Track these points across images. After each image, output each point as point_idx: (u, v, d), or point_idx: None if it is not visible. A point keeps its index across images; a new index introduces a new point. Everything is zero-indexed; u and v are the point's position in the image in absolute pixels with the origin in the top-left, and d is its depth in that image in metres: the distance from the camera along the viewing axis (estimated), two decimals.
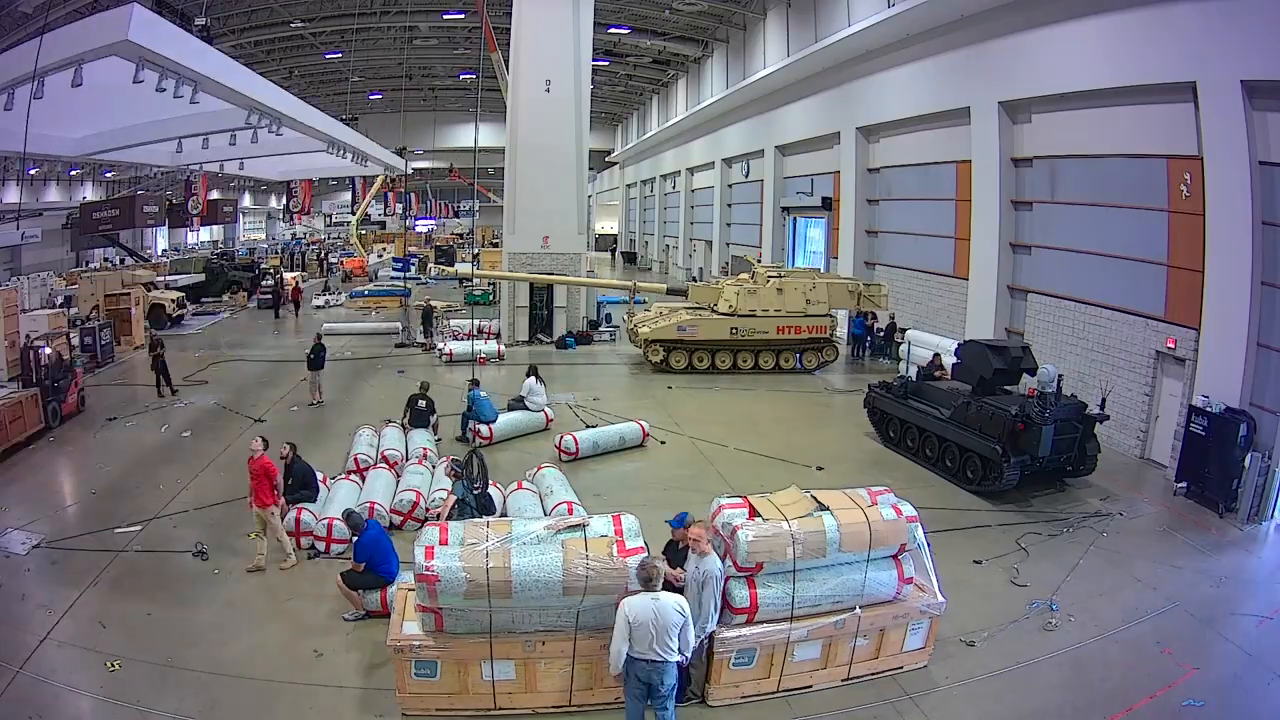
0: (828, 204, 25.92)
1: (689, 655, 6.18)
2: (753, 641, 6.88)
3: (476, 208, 46.90)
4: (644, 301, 22.73)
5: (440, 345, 21.56)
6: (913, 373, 16.30)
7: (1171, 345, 13.02)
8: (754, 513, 7.08)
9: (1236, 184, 11.64)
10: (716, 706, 6.91)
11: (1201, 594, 9.07)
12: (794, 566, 6.89)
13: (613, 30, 33.55)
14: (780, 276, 20.25)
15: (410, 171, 42.07)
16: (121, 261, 34.49)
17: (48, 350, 14.86)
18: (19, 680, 7.04)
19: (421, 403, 13.70)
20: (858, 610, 7.11)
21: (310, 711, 6.81)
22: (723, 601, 6.75)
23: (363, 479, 11.14)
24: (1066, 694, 7.21)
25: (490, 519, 7.62)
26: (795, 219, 30.10)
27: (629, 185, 60.35)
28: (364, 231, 47.52)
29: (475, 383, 14.40)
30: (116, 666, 7.26)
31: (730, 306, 19.75)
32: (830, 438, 15.01)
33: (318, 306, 29.62)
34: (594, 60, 26.80)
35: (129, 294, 22.74)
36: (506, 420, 14.19)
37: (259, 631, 7.98)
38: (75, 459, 13.18)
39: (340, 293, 30.94)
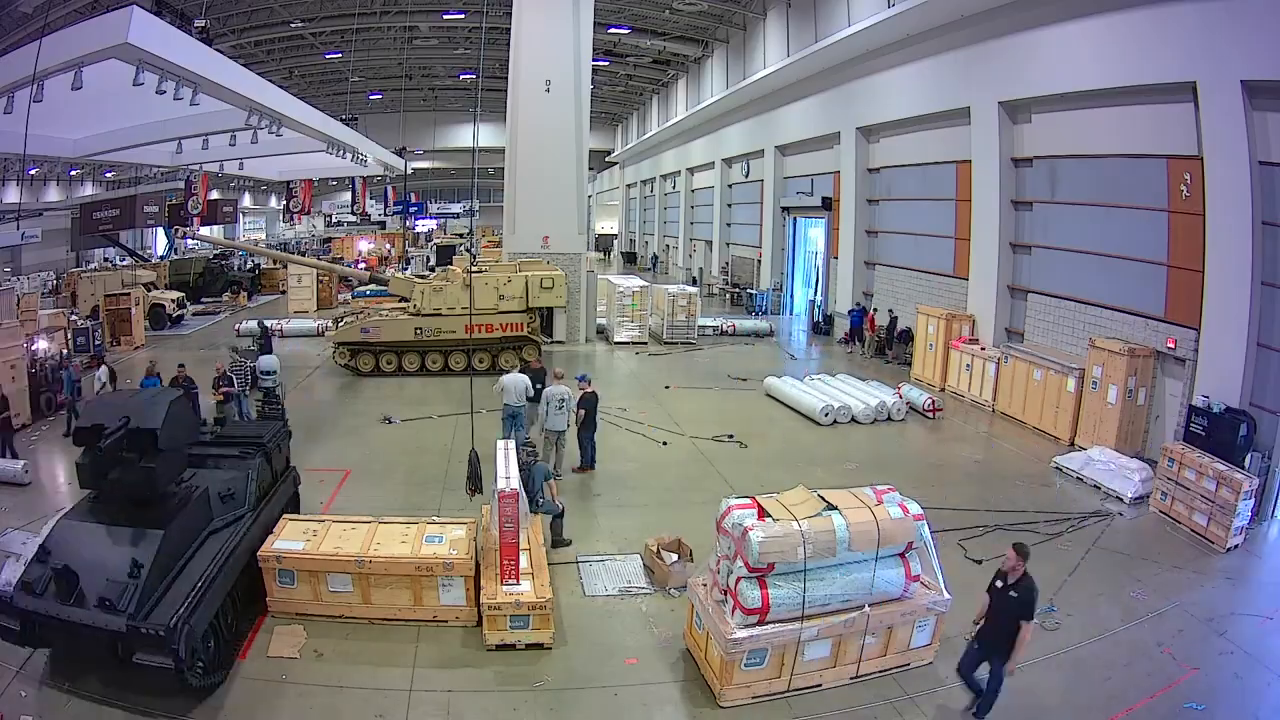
0: (828, 204, 25.92)
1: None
2: (764, 642, 6.90)
3: (476, 207, 46.83)
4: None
5: None
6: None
7: (1172, 345, 13.02)
8: (763, 513, 7.10)
9: (1236, 184, 11.63)
10: (728, 707, 6.92)
11: (1202, 594, 9.08)
12: (805, 566, 6.91)
13: (613, 30, 33.52)
14: (481, 271, 19.36)
15: (410, 171, 42.06)
16: (121, 260, 34.52)
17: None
18: (19, 680, 7.04)
19: None
20: (866, 608, 7.14)
21: (311, 711, 6.82)
22: (734, 602, 6.90)
23: None
24: (1066, 694, 7.21)
25: None
26: (795, 219, 30.10)
27: (629, 185, 60.36)
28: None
29: None
30: None
31: (416, 306, 18.90)
32: (827, 436, 15.01)
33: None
34: (594, 60, 26.81)
35: (129, 294, 22.69)
36: None
37: (257, 629, 7.99)
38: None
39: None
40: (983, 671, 6.74)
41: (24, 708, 6.65)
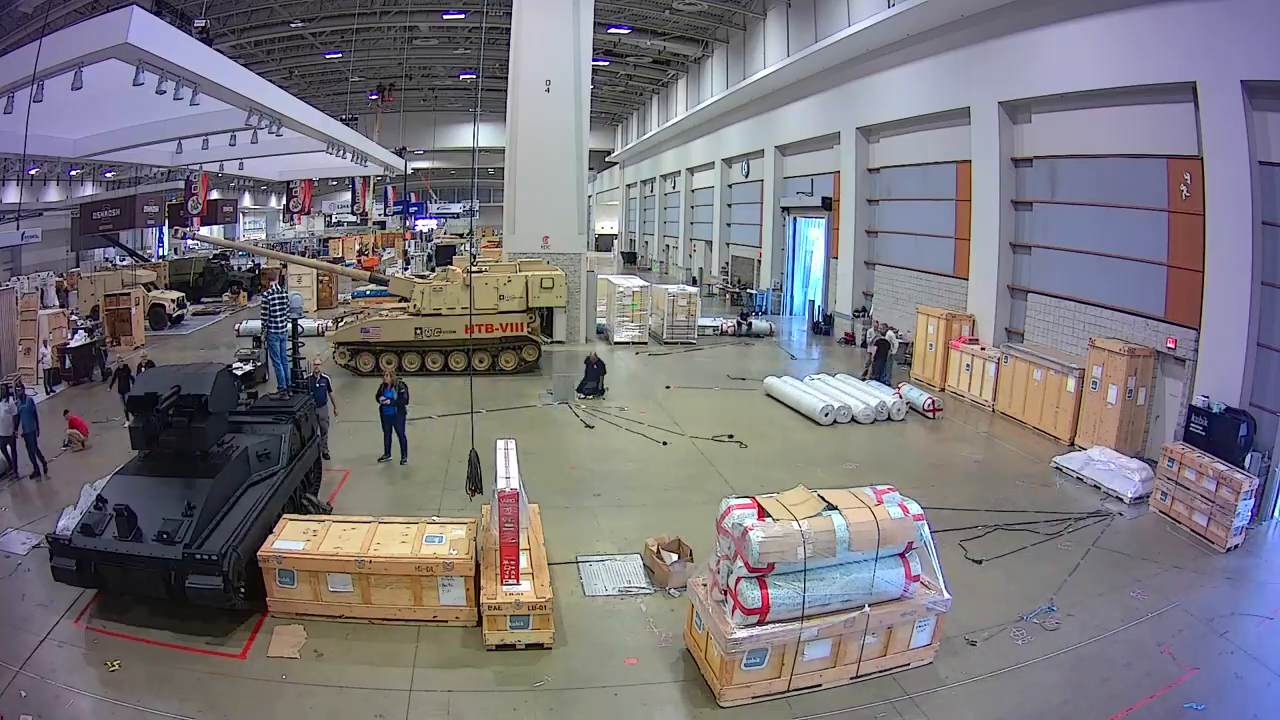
0: (828, 204, 25.92)
1: None
2: (764, 642, 6.91)
3: (476, 207, 46.83)
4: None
5: None
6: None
7: (1172, 345, 13.02)
8: (763, 513, 7.10)
9: (1236, 184, 11.63)
10: (728, 707, 6.92)
11: (1202, 594, 9.08)
12: (805, 566, 6.92)
13: (613, 30, 33.51)
14: (481, 271, 19.48)
15: (410, 171, 42.05)
16: (121, 259, 34.49)
17: None
18: (19, 680, 7.05)
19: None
20: (866, 608, 7.14)
21: (311, 711, 6.82)
22: (734, 602, 6.93)
23: None
24: (1066, 694, 7.22)
25: None
26: (795, 219, 30.09)
27: (629, 185, 60.34)
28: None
29: None
30: (116, 666, 7.27)
31: (416, 306, 18.91)
32: (827, 436, 15.01)
33: None
34: (594, 60, 26.80)
35: (129, 294, 22.68)
36: None
37: (258, 629, 8.00)
38: (75, 459, 13.17)
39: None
40: None
41: (24, 708, 6.66)
